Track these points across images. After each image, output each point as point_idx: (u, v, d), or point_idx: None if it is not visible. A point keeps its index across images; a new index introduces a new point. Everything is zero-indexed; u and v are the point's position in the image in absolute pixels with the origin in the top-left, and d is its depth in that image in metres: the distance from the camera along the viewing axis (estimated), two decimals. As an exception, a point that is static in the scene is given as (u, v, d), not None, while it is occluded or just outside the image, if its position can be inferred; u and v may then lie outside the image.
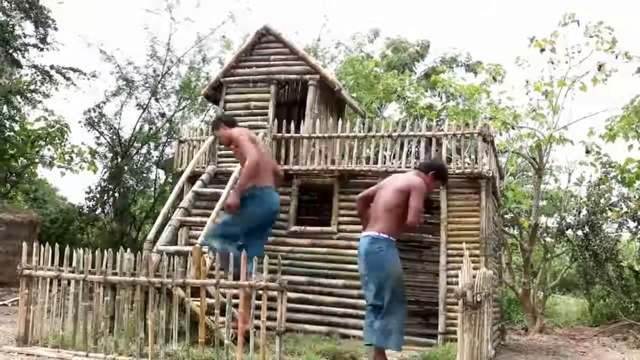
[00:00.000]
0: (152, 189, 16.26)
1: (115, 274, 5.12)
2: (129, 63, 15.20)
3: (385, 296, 4.75)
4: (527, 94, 11.11)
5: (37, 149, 15.65)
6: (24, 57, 13.95)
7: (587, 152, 11.31)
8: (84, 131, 15.36)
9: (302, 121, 8.00)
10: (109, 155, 15.77)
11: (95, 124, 15.31)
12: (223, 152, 7.78)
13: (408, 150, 7.40)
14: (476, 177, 7.04)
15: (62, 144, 15.58)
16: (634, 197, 11.71)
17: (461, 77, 14.31)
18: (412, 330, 6.42)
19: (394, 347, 4.84)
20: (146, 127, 15.78)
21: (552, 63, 10.80)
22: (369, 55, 15.60)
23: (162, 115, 15.81)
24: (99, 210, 15.64)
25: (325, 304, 7.18)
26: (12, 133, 14.43)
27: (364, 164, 7.59)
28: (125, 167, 15.27)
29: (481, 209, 6.96)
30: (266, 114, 7.97)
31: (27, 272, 5.43)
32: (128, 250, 5.28)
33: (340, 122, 7.73)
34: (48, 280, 5.39)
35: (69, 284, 5.32)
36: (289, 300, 5.70)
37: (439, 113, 13.05)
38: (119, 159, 15.36)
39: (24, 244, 5.57)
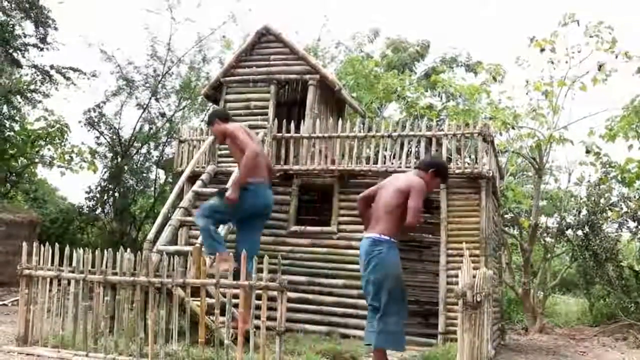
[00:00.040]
0: (152, 188, 16.27)
1: (115, 274, 5.12)
2: (129, 63, 15.24)
3: (382, 297, 4.75)
4: (527, 94, 11.13)
5: (37, 149, 15.66)
6: (24, 57, 13.96)
7: (587, 152, 11.31)
8: (84, 131, 15.41)
9: (302, 121, 8.01)
10: (109, 155, 15.77)
11: (95, 123, 15.32)
12: (223, 152, 7.78)
13: (408, 150, 7.40)
14: (476, 177, 7.04)
15: (62, 143, 15.59)
16: (634, 197, 11.71)
17: (461, 77, 14.32)
18: (412, 330, 6.42)
19: (392, 348, 4.84)
20: (146, 127, 15.80)
21: (552, 63, 10.80)
22: (369, 55, 15.61)
23: (162, 115, 15.82)
24: (99, 210, 15.65)
25: (325, 304, 7.18)
26: (12, 133, 14.43)
27: (364, 164, 7.59)
28: (125, 167, 15.27)
29: (481, 209, 6.96)
30: (266, 114, 7.97)
31: (27, 272, 5.43)
32: (128, 250, 5.28)
33: (340, 122, 7.73)
34: (48, 280, 5.40)
35: (69, 283, 5.32)
36: (289, 300, 5.70)
37: (439, 113, 13.05)
38: (119, 159, 15.36)
39: (24, 244, 5.57)
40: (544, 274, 12.40)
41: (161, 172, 16.21)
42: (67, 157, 15.63)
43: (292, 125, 7.83)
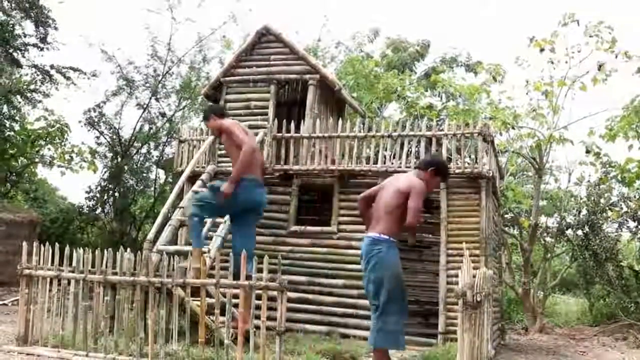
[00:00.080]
0: (152, 188, 16.27)
1: (115, 273, 5.12)
2: (130, 63, 15.25)
3: (381, 297, 4.76)
4: (527, 94, 11.13)
5: (37, 149, 15.66)
6: (24, 56, 13.96)
7: (587, 152, 11.31)
8: (84, 131, 15.42)
9: (302, 121, 8.01)
10: (109, 155, 15.78)
11: (96, 123, 15.32)
12: (223, 152, 7.77)
13: (408, 150, 7.40)
14: (476, 177, 7.05)
15: (62, 143, 15.59)
16: (634, 197, 11.71)
17: (461, 77, 14.31)
18: (412, 330, 6.42)
19: (391, 347, 4.83)
20: (146, 127, 15.81)
21: (552, 63, 10.80)
22: (369, 55, 15.61)
23: (162, 115, 15.83)
24: (99, 210, 15.66)
25: (325, 304, 7.19)
26: (12, 133, 14.44)
27: (364, 163, 7.59)
28: (125, 167, 15.27)
29: (481, 208, 6.96)
30: (266, 114, 7.97)
31: (27, 271, 5.43)
32: (128, 250, 5.28)
33: (340, 122, 7.73)
34: (48, 279, 5.40)
35: (69, 283, 5.33)
36: (289, 300, 5.70)
37: (439, 113, 13.04)
38: (119, 159, 15.37)
39: (24, 244, 5.57)
40: (544, 274, 12.40)
41: (161, 172, 16.22)
42: (67, 157, 15.63)
43: (292, 125, 7.83)
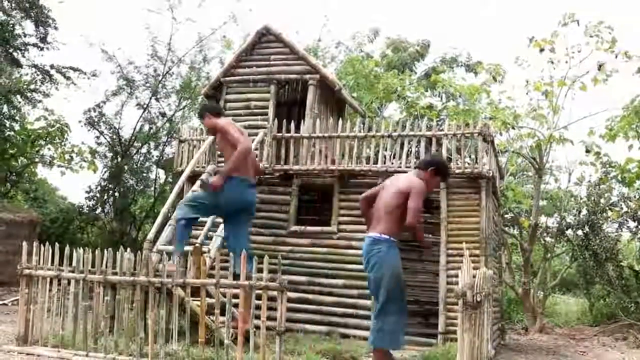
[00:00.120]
0: (152, 188, 16.27)
1: (115, 273, 5.12)
2: (130, 63, 15.25)
3: (380, 296, 4.76)
4: (527, 94, 11.12)
5: (37, 149, 15.65)
6: (24, 56, 13.95)
7: (587, 152, 11.31)
8: (84, 131, 15.42)
9: (302, 121, 8.01)
10: (109, 154, 15.78)
11: (96, 123, 15.32)
12: (222, 151, 7.78)
13: (408, 150, 7.40)
14: (476, 177, 7.04)
15: (62, 143, 15.58)
16: (634, 197, 11.71)
17: (461, 77, 14.30)
18: (412, 330, 6.41)
19: (389, 346, 4.84)
20: (146, 127, 15.80)
21: (552, 63, 10.80)
22: (369, 55, 15.60)
23: (163, 114, 15.83)
24: (99, 210, 15.65)
25: (325, 304, 7.19)
26: (12, 132, 14.43)
27: (364, 164, 7.59)
28: (126, 167, 15.27)
29: (481, 208, 6.96)
30: (266, 114, 7.97)
31: (27, 271, 5.43)
32: (128, 250, 5.28)
33: (340, 122, 7.73)
34: (48, 279, 5.40)
35: (69, 283, 5.33)
36: (289, 300, 5.70)
37: (439, 113, 13.04)
38: (119, 159, 15.36)
39: (24, 244, 5.57)
40: (544, 274, 12.40)
41: (161, 172, 16.22)
42: (67, 156, 15.63)
43: (292, 125, 7.83)
